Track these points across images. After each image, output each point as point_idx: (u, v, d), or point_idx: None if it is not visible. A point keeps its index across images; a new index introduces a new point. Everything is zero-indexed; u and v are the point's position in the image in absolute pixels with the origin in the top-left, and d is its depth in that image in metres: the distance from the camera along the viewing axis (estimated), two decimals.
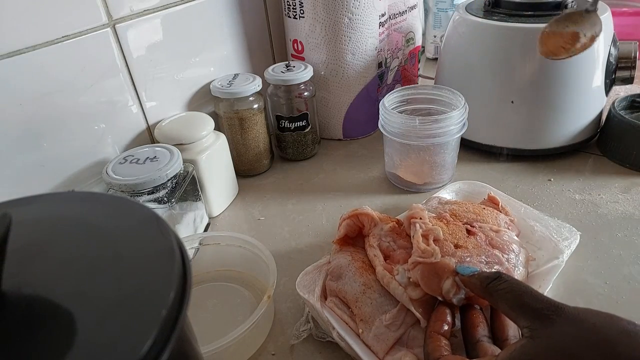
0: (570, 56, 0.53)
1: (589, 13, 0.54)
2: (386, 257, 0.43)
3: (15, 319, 0.19)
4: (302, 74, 0.67)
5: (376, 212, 0.47)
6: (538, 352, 0.28)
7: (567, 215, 0.56)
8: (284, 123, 0.70)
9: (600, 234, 0.53)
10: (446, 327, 0.36)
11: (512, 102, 0.63)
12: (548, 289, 0.44)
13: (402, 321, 0.39)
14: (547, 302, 0.30)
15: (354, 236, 0.48)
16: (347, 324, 0.41)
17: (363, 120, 0.77)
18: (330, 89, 0.74)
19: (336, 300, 0.43)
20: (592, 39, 0.53)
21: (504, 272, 0.40)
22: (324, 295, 0.44)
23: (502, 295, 0.33)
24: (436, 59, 0.98)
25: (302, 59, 0.73)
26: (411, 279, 0.39)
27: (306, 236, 0.57)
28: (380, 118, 0.62)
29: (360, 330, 0.40)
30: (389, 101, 0.62)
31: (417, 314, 0.38)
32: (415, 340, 0.38)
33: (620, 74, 0.64)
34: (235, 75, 0.67)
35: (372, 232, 0.46)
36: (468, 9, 0.67)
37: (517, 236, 0.49)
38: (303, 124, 0.70)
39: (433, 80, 0.76)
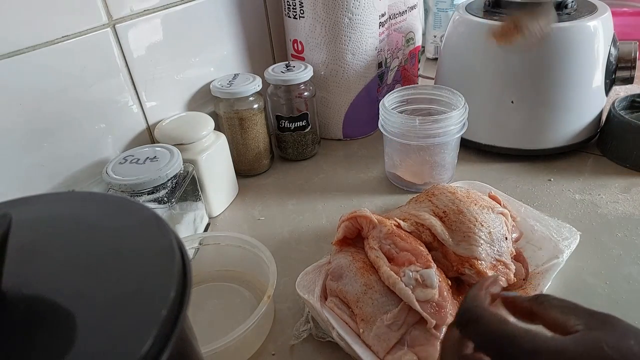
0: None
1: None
2: (389, 260, 0.43)
3: (15, 319, 0.19)
4: (302, 74, 0.67)
5: (375, 214, 0.47)
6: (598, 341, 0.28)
7: (567, 215, 0.56)
8: (284, 123, 0.70)
9: (600, 234, 0.53)
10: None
11: (512, 102, 0.63)
12: (547, 288, 0.44)
13: (403, 321, 0.39)
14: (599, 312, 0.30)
15: (353, 237, 0.48)
16: (347, 324, 0.41)
17: (363, 120, 0.77)
18: (330, 89, 0.74)
19: (336, 300, 0.43)
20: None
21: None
22: (324, 296, 0.44)
23: (553, 303, 0.33)
24: (436, 59, 0.98)
25: (302, 59, 0.73)
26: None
27: (306, 236, 0.57)
28: (380, 118, 0.62)
29: (361, 330, 0.40)
30: (389, 101, 0.62)
31: (425, 315, 0.38)
32: (416, 339, 0.38)
33: (620, 74, 0.64)
34: (235, 75, 0.67)
35: (372, 235, 0.46)
36: (468, 9, 0.67)
37: (519, 238, 0.49)
38: (303, 124, 0.70)
39: (433, 80, 0.76)
